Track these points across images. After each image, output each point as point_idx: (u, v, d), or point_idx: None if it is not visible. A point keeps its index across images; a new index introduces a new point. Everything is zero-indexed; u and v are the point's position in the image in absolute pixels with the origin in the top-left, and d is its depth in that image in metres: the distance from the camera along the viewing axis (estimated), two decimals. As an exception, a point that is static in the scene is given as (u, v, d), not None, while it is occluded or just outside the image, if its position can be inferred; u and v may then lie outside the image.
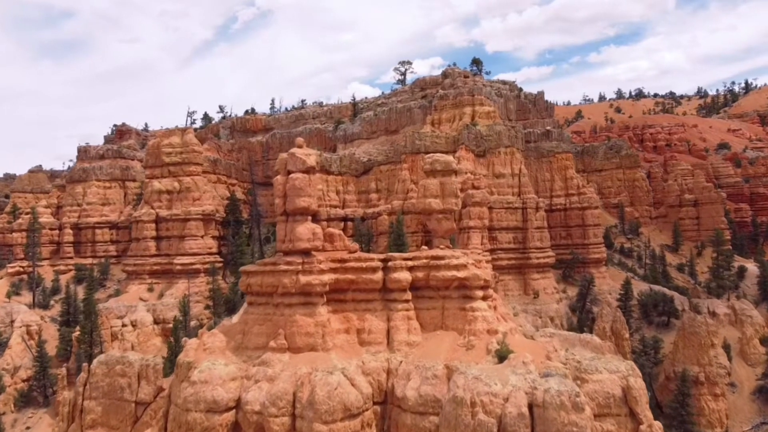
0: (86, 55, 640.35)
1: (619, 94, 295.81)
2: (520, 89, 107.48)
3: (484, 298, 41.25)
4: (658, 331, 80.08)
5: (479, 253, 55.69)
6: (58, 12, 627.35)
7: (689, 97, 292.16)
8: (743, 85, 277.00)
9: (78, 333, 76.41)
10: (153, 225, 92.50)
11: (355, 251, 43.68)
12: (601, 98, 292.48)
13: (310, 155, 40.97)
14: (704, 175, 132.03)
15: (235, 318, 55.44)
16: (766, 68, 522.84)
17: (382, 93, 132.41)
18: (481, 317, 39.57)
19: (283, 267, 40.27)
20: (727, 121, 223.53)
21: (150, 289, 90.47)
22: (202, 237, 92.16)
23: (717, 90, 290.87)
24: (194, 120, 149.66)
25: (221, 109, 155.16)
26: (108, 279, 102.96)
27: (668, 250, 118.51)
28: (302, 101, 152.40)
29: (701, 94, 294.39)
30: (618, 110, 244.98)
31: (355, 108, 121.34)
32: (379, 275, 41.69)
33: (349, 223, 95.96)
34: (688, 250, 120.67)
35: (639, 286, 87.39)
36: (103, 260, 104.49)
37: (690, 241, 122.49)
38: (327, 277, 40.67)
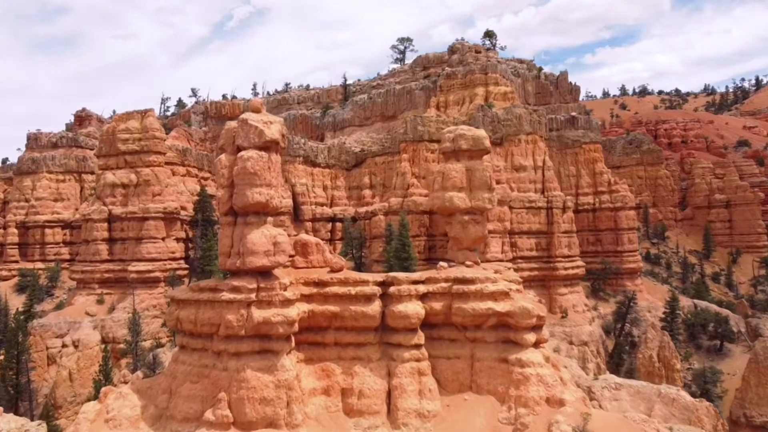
0: (81, 51, 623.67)
1: (623, 91, 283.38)
2: (540, 68, 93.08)
3: (537, 344, 27.20)
4: (709, 357, 66.54)
5: (508, 268, 41.49)
6: (53, 8, 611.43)
7: (696, 95, 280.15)
8: (753, 81, 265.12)
9: (2, 357, 62.23)
10: (105, 225, 78.29)
11: (339, 269, 29.47)
12: (605, 94, 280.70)
13: (270, 123, 26.78)
14: (737, 173, 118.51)
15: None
16: (760, 71, 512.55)
17: (378, 74, 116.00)
18: (536, 377, 25.55)
19: (228, 296, 26.02)
20: (741, 118, 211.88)
21: (100, 301, 76.54)
22: (162, 239, 78.04)
23: (726, 87, 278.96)
24: (168, 107, 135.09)
25: (193, 92, 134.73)
26: (57, 287, 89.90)
27: (698, 256, 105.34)
28: (286, 84, 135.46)
29: (708, 91, 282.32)
30: (623, 107, 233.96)
31: (346, 91, 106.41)
32: (376, 306, 27.71)
33: (338, 224, 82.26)
34: (720, 256, 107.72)
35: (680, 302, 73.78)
36: (53, 265, 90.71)
37: (722, 247, 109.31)
38: (296, 311, 26.53)
